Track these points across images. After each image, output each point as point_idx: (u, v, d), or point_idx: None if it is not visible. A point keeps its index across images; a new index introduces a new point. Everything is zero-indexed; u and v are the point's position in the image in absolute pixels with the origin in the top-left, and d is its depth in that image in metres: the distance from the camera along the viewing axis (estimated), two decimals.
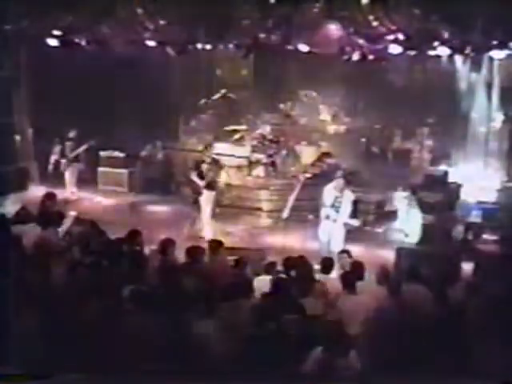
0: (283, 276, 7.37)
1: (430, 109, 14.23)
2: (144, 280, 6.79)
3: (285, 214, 11.41)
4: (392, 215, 12.70)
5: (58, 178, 13.94)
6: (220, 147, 14.10)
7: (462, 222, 11.06)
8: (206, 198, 11.76)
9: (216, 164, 12.00)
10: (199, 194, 11.72)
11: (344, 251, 8.45)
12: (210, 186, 11.74)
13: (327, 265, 7.76)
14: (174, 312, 5.85)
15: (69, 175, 13.90)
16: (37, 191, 13.04)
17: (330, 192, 10.28)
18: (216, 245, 8.08)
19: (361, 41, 11.18)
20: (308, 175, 12.93)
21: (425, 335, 5.69)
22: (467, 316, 6.15)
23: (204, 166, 11.71)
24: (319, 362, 5.27)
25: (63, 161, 13.81)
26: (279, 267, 7.79)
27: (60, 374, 4.86)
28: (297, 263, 7.54)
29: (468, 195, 12.26)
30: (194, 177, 11.79)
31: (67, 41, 13.32)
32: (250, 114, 15.59)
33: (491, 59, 12.79)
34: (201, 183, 11.67)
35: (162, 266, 7.20)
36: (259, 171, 14.48)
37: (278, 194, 13.48)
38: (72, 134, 13.87)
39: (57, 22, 13.09)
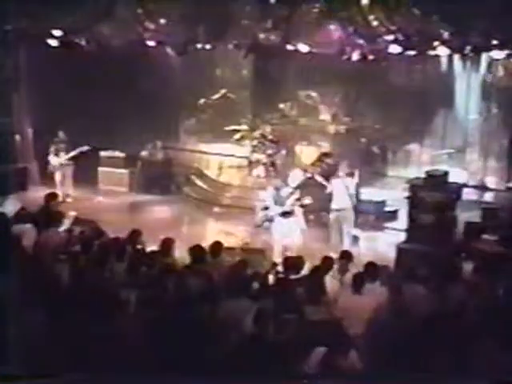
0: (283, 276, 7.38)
1: (429, 109, 14.23)
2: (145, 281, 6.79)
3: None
4: (392, 215, 12.75)
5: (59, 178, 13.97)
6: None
7: (462, 222, 11.07)
8: (284, 227, 10.26)
9: (299, 191, 10.42)
10: (270, 220, 10.36)
11: (344, 255, 8.35)
12: (286, 213, 10.25)
13: (327, 264, 7.74)
14: (175, 312, 5.86)
15: (62, 177, 13.87)
16: (37, 191, 13.05)
17: None
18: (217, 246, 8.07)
19: (361, 41, 11.17)
20: (308, 175, 12.92)
21: (424, 335, 5.69)
22: (466, 316, 6.15)
23: (285, 190, 10.30)
24: (320, 362, 5.27)
25: (56, 162, 13.82)
26: (279, 267, 7.80)
27: (60, 374, 4.86)
28: (296, 263, 7.54)
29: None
30: (270, 201, 10.34)
31: (67, 41, 13.31)
32: (249, 114, 15.60)
33: (491, 59, 12.81)
34: (276, 209, 10.24)
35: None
36: (259, 171, 14.50)
37: None
38: (63, 136, 13.86)
39: (57, 22, 13.09)
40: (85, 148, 13.78)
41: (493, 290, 6.96)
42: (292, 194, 10.28)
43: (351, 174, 11.00)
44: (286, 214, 10.21)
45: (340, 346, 5.30)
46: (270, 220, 10.31)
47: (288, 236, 10.19)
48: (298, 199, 10.30)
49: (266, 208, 10.44)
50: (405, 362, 5.37)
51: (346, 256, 8.02)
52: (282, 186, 10.36)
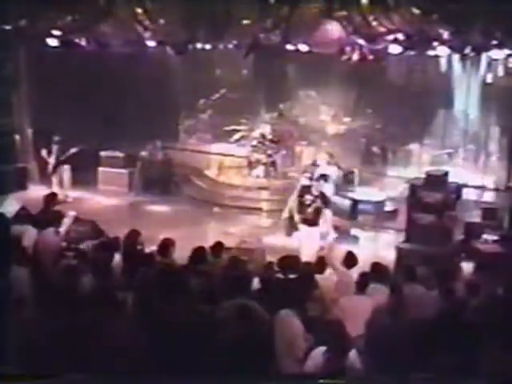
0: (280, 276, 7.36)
1: (429, 108, 14.23)
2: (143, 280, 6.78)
3: (285, 214, 11.42)
4: (392, 215, 12.76)
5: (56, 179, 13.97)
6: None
7: (462, 221, 11.09)
8: (307, 235, 10.16)
9: (322, 199, 10.29)
10: (295, 228, 10.35)
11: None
12: (309, 221, 10.20)
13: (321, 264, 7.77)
14: (174, 312, 5.86)
15: (60, 177, 13.86)
16: (37, 191, 13.05)
17: None
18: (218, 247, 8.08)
19: (361, 41, 11.17)
20: (308, 175, 12.93)
21: (424, 335, 5.69)
22: (465, 316, 6.15)
23: (308, 198, 10.22)
24: (320, 362, 5.27)
25: (53, 162, 13.83)
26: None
27: (60, 374, 4.86)
28: (294, 263, 7.52)
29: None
30: (294, 209, 10.35)
31: (67, 41, 13.31)
32: (249, 114, 15.60)
33: (491, 59, 12.82)
34: (297, 217, 10.27)
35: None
36: (259, 171, 14.51)
37: (277, 194, 13.51)
38: (58, 137, 13.87)
39: (57, 22, 13.08)
40: (81, 147, 13.80)
41: (493, 290, 6.96)
42: (314, 202, 10.22)
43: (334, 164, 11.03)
44: (308, 222, 10.16)
45: (338, 344, 5.30)
46: (295, 228, 10.30)
47: (311, 243, 10.07)
48: (318, 208, 10.23)
49: (292, 217, 10.41)
50: (404, 362, 5.37)
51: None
52: (305, 193, 10.30)
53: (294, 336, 5.80)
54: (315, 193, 10.33)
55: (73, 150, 13.84)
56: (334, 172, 10.95)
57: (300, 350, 5.65)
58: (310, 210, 10.17)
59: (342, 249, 8.94)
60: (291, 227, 10.47)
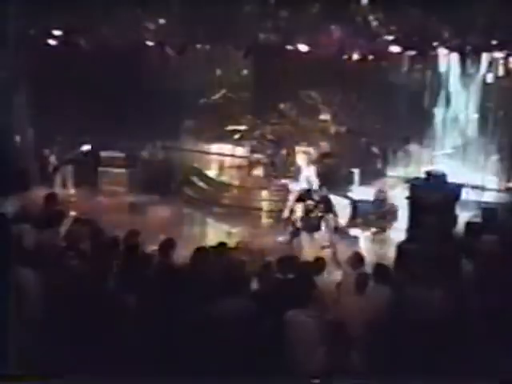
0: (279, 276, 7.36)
1: (429, 108, 14.24)
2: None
3: (285, 214, 11.43)
4: (392, 215, 12.76)
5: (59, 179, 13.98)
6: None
7: (462, 221, 11.08)
8: (309, 240, 10.13)
9: (325, 204, 10.25)
10: (296, 235, 10.28)
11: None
12: (312, 227, 10.18)
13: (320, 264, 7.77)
14: (174, 312, 5.86)
15: (62, 177, 13.86)
16: (37, 191, 13.05)
17: None
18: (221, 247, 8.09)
19: (361, 41, 11.19)
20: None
21: (425, 335, 5.70)
22: (467, 316, 6.15)
23: (309, 203, 10.17)
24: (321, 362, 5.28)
25: (56, 162, 13.84)
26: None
27: (60, 375, 4.87)
28: (292, 263, 7.52)
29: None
30: (298, 212, 10.27)
31: (67, 41, 13.32)
32: (249, 114, 15.61)
33: (491, 59, 12.81)
34: (297, 223, 10.22)
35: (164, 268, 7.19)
36: (259, 171, 14.51)
37: (277, 194, 13.51)
38: (59, 137, 13.88)
39: (57, 22, 13.10)
40: (85, 147, 13.82)
41: (493, 290, 6.96)
42: (316, 207, 10.18)
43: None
44: (310, 228, 10.12)
45: (338, 344, 5.31)
46: (297, 234, 10.25)
47: (313, 248, 10.00)
48: (322, 215, 10.21)
49: (293, 220, 10.38)
50: (404, 362, 5.37)
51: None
52: (305, 198, 10.24)
53: (304, 336, 5.80)
54: (316, 198, 10.28)
55: (79, 150, 13.84)
56: (313, 171, 10.84)
57: (309, 349, 5.65)
58: (312, 215, 10.13)
59: (347, 249, 8.95)
60: (293, 232, 10.41)
